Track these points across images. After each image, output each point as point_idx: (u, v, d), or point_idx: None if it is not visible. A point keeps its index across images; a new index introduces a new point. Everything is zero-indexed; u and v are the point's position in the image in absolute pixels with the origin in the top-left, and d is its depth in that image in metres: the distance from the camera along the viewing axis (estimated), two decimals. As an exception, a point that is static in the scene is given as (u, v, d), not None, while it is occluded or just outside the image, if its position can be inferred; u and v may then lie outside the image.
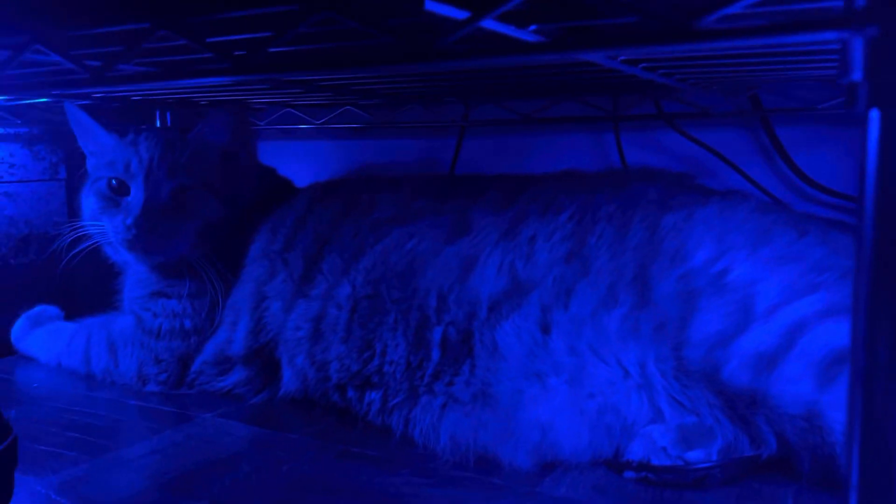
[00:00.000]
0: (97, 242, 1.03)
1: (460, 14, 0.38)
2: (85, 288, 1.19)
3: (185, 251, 0.99)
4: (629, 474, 0.68)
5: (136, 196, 0.96)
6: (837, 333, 0.66)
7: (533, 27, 0.45)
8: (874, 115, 0.28)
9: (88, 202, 1.02)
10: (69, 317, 1.13)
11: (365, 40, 0.43)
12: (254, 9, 0.39)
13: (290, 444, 0.79)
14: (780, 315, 0.68)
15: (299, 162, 1.35)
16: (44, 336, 1.09)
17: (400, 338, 0.79)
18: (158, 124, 1.29)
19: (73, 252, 1.03)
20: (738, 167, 1.00)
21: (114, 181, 0.98)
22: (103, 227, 1.00)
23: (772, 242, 0.75)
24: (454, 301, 0.79)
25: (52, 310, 1.15)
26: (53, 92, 0.88)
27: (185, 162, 0.99)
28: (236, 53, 0.40)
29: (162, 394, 0.96)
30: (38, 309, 1.14)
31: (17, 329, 1.12)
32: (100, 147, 1.03)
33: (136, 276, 1.05)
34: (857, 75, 0.28)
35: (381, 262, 0.84)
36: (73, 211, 1.18)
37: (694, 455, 0.66)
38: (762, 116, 0.99)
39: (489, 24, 0.40)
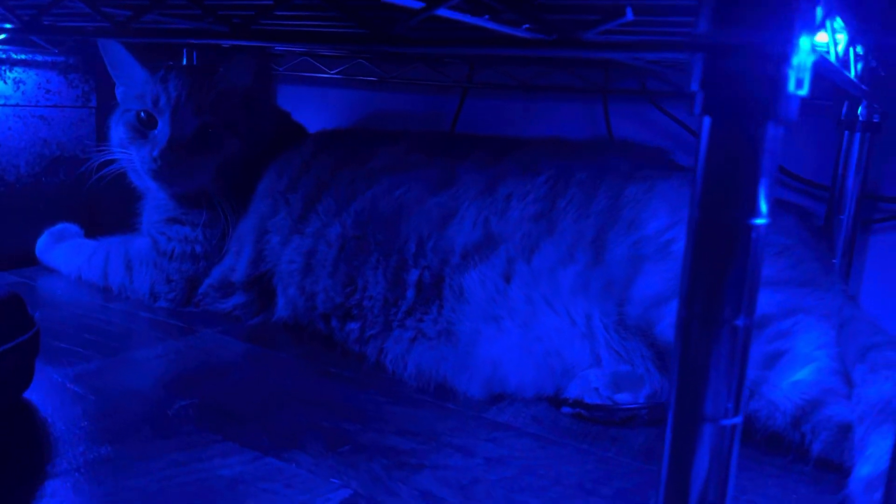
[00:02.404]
0: (122, 168, 1.13)
1: (415, 4, 0.46)
2: (107, 209, 1.30)
3: (204, 184, 1.08)
4: (566, 409, 0.78)
5: (162, 130, 1.05)
6: (761, 302, 0.74)
7: (486, 16, 0.53)
8: (706, 120, 0.36)
9: (117, 131, 1.11)
10: (89, 234, 1.24)
11: (341, 22, 0.51)
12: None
13: (278, 361, 0.89)
14: (713, 283, 0.76)
15: (315, 107, 1.44)
16: (66, 250, 1.20)
17: (380, 276, 0.89)
18: (185, 62, 1.37)
19: (99, 175, 1.13)
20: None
21: (142, 114, 1.07)
22: (130, 154, 1.09)
23: (720, 218, 0.82)
24: (431, 248, 0.88)
25: (73, 227, 1.25)
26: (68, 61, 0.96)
27: (210, 101, 1.07)
28: (235, 21, 0.48)
29: (170, 310, 1.06)
30: (60, 226, 1.25)
31: (42, 243, 1.23)
32: (131, 79, 1.11)
33: (155, 201, 1.15)
34: (694, 87, 0.36)
35: (370, 207, 0.93)
36: (101, 136, 1.27)
37: (622, 397, 0.76)
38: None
39: (444, 12, 0.48)
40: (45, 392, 0.75)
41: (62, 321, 0.97)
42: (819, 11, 0.42)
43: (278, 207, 1.02)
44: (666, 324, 0.75)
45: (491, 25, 0.51)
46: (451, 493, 0.61)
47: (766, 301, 0.74)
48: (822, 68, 0.41)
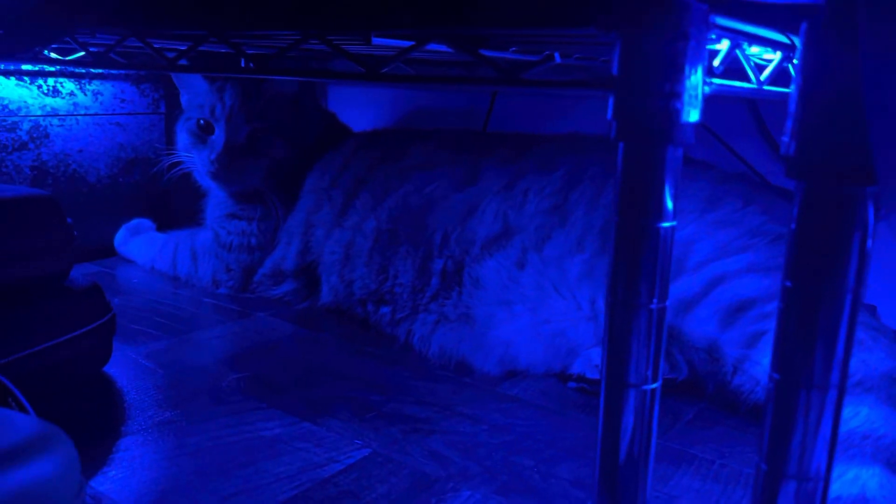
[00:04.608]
0: (188, 168, 1.26)
1: (402, 43, 0.55)
2: (176, 205, 1.44)
3: (256, 183, 1.20)
4: (571, 384, 0.86)
5: (218, 136, 1.18)
6: (748, 287, 0.81)
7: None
8: (620, 145, 0.45)
9: (181, 136, 1.24)
10: (161, 228, 1.38)
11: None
12: (269, 30, 0.58)
13: (320, 341, 1.00)
14: (705, 270, 0.83)
15: (364, 104, 1.54)
16: (141, 243, 1.35)
17: (409, 266, 0.99)
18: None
19: (169, 175, 1.27)
20: (722, 140, 1.13)
21: (202, 121, 1.20)
22: (193, 157, 1.22)
23: (719, 209, 0.89)
24: (455, 240, 0.97)
25: (146, 222, 1.40)
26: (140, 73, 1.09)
27: (260, 109, 1.19)
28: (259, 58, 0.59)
29: (229, 295, 1.19)
30: (135, 221, 1.40)
31: (119, 237, 1.38)
32: (194, 89, 1.25)
33: (216, 199, 1.28)
34: (609, 117, 0.45)
35: (402, 202, 1.03)
36: (169, 140, 1.42)
37: (619, 374, 0.83)
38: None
39: (433, 46, 0.57)
40: (121, 367, 0.88)
41: (137, 306, 1.11)
42: (727, 45, 0.49)
43: (322, 203, 1.13)
44: (659, 307, 0.83)
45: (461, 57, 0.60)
46: (456, 453, 0.71)
47: (753, 286, 0.81)
48: (738, 91, 0.49)
